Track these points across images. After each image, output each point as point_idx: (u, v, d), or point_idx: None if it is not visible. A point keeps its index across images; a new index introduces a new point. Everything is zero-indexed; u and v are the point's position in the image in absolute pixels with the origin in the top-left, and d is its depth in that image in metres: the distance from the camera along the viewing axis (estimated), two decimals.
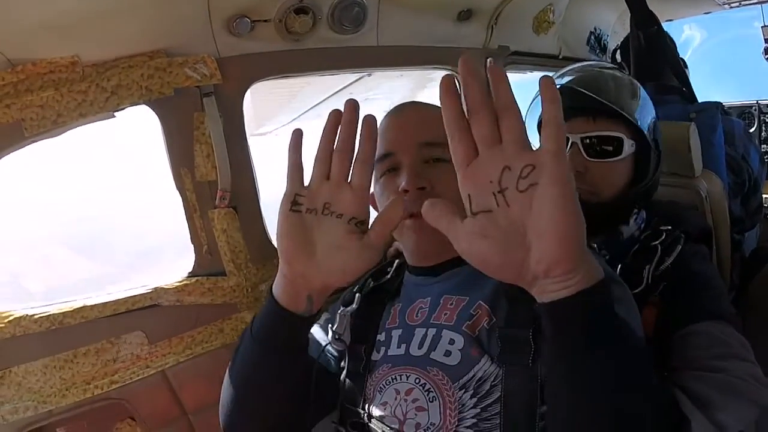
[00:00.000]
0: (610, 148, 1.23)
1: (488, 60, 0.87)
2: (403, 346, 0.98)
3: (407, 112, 1.04)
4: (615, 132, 1.22)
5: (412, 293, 1.05)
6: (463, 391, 0.87)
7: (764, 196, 3.16)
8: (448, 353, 0.92)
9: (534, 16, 2.05)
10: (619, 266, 1.21)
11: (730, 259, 1.62)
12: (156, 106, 1.31)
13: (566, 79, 1.30)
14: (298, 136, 0.80)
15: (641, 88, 1.31)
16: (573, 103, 1.23)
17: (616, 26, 2.62)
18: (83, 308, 1.31)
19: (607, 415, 0.65)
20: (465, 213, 0.67)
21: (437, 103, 0.69)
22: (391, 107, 1.08)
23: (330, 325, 1.07)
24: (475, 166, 0.65)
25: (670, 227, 1.24)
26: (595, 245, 1.26)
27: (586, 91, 1.22)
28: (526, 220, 0.61)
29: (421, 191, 0.92)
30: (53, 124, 1.19)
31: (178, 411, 1.45)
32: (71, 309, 1.30)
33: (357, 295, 1.11)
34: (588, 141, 1.22)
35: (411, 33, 1.70)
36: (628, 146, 1.23)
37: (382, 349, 1.01)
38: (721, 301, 1.13)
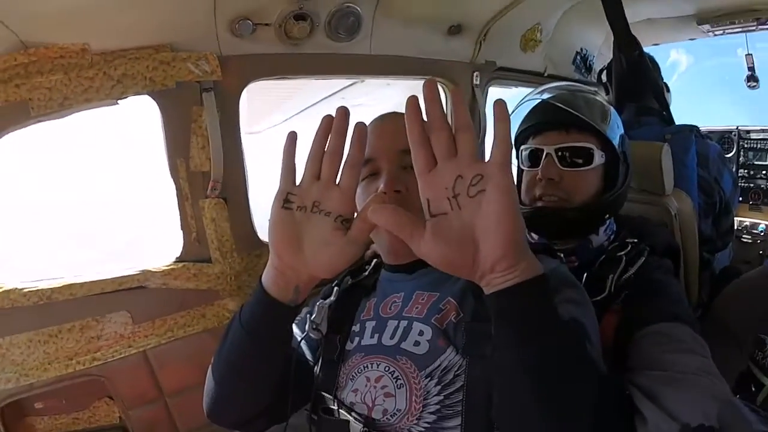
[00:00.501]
0: (581, 159, 1.32)
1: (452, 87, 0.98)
2: (376, 336, 1.05)
3: (388, 122, 1.09)
4: (586, 143, 1.32)
5: (387, 289, 1.13)
6: (428, 379, 0.94)
7: (737, 219, 3.34)
8: (417, 343, 0.99)
9: (522, 34, 2.18)
10: (585, 274, 1.29)
11: (698, 276, 1.69)
12: (158, 97, 1.39)
13: (545, 95, 1.41)
14: (292, 138, 0.87)
15: (612, 110, 1.41)
16: (548, 118, 1.36)
17: (603, 48, 2.75)
18: (72, 285, 1.38)
19: (543, 400, 0.72)
20: (426, 216, 0.77)
21: (424, 111, 0.78)
22: (380, 114, 1.15)
23: (309, 316, 1.14)
24: (434, 175, 0.76)
25: (636, 240, 1.33)
26: (562, 254, 1.34)
27: (561, 105, 1.33)
28: (475, 222, 0.72)
29: (397, 194, 0.99)
30: (59, 106, 1.26)
31: (156, 392, 1.52)
32: (60, 285, 1.37)
33: (335, 288, 1.20)
34: (561, 152, 1.32)
35: (402, 44, 1.81)
36: (599, 157, 1.33)
37: (356, 339, 1.08)
38: (679, 305, 1.18)
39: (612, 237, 1.40)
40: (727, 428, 0.78)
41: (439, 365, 0.95)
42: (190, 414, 1.55)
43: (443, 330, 0.98)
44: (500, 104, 0.74)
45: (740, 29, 2.71)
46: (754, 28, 2.67)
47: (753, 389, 1.31)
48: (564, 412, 0.73)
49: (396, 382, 0.97)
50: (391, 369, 0.99)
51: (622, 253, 1.30)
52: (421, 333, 1.00)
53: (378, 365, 1.01)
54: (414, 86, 2.06)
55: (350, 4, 1.53)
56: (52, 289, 1.36)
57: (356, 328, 1.10)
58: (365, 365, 1.03)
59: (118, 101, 1.35)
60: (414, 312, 1.04)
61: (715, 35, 2.82)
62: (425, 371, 0.95)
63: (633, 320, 1.14)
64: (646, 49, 2.24)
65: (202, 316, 1.55)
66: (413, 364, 0.97)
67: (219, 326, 1.55)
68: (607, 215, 1.38)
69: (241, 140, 1.54)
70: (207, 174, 1.47)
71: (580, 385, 0.74)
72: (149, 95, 1.39)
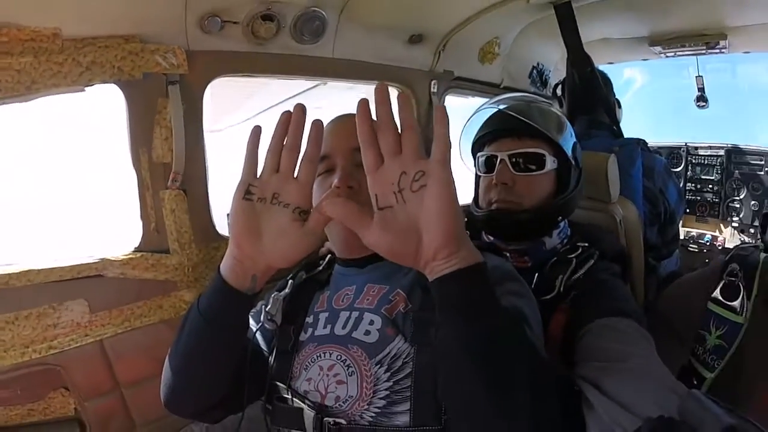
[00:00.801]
0: (534, 164, 1.40)
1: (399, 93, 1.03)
2: (329, 326, 1.10)
3: (344, 122, 1.14)
4: (538, 149, 1.40)
5: (340, 282, 1.18)
6: (378, 366, 0.99)
7: (685, 229, 3.53)
8: (367, 332, 1.04)
9: (480, 46, 2.31)
10: (536, 274, 1.37)
11: (643, 279, 1.79)
12: (124, 86, 1.43)
13: (501, 105, 1.49)
14: (257, 132, 0.93)
15: (566, 120, 1.50)
16: (503, 126, 1.44)
17: (559, 64, 2.89)
18: (29, 272, 1.38)
19: (485, 378, 0.77)
20: (374, 210, 0.84)
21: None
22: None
23: (264, 307, 1.18)
24: (381, 171, 0.83)
25: (587, 244, 1.41)
26: (515, 254, 1.44)
27: (514, 114, 1.41)
28: (418, 214, 0.79)
29: (350, 189, 1.05)
30: (26, 89, 1.28)
31: (112, 383, 1.53)
32: (17, 271, 1.37)
33: (290, 282, 1.25)
34: (514, 158, 1.40)
35: (364, 49, 1.91)
36: (550, 162, 1.41)
37: (310, 330, 1.12)
38: (624, 302, 1.25)
39: (565, 240, 1.47)
40: (692, 421, 0.79)
41: (389, 353, 1.00)
42: (146, 406, 1.57)
43: (392, 319, 1.04)
44: (440, 109, 0.83)
45: (691, 52, 2.90)
46: (704, 51, 2.86)
47: (695, 382, 1.37)
48: (504, 389, 0.77)
49: (347, 369, 1.01)
50: (343, 357, 1.03)
51: (573, 255, 1.38)
52: (371, 323, 1.05)
53: (330, 354, 1.05)
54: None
55: (316, 9, 1.61)
56: (9, 275, 1.37)
57: (309, 319, 1.15)
58: (318, 354, 1.07)
59: (85, 88, 1.38)
60: (365, 303, 1.10)
61: (667, 56, 3.02)
62: (375, 359, 1.00)
63: (579, 319, 1.20)
64: (601, 67, 2.39)
65: (159, 306, 1.58)
66: (364, 352, 1.02)
67: (175, 317, 1.59)
68: (560, 217, 1.45)
69: (203, 134, 1.59)
70: (168, 165, 1.52)
71: (520, 365, 0.79)
72: (116, 84, 1.43)
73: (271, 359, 1.15)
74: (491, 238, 1.50)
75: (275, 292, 1.22)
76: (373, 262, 1.14)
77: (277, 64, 1.72)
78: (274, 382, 1.10)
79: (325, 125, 1.03)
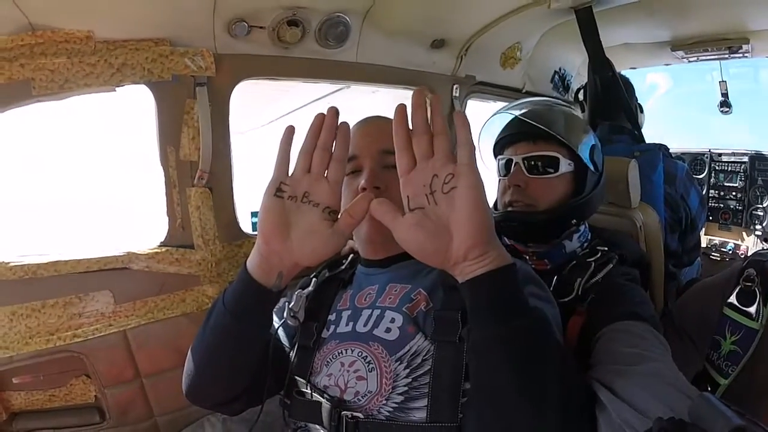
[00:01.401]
0: (548, 167, 1.42)
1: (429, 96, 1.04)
2: (351, 324, 1.12)
3: (371, 123, 1.18)
4: (552, 152, 1.42)
5: (363, 282, 1.21)
6: (398, 363, 1.00)
7: (707, 237, 3.50)
8: (388, 330, 1.06)
9: (502, 51, 2.31)
10: (556, 277, 1.38)
11: (662, 286, 1.79)
12: (154, 87, 1.49)
13: (517, 111, 1.51)
14: (290, 132, 0.95)
15: (584, 123, 1.52)
16: (519, 129, 1.47)
17: (581, 69, 2.87)
18: (57, 263, 1.44)
19: (518, 375, 0.80)
20: (405, 211, 0.88)
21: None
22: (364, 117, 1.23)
23: (287, 304, 1.20)
24: (413, 174, 0.88)
25: (606, 248, 1.42)
26: (534, 257, 1.46)
27: (528, 120, 1.43)
28: (450, 215, 0.83)
29: (376, 190, 1.07)
30: (60, 88, 1.34)
31: (133, 372, 1.57)
32: (45, 262, 1.43)
33: (314, 280, 1.28)
34: (528, 161, 1.43)
35: (387, 54, 1.94)
36: (565, 165, 1.42)
37: (332, 327, 1.14)
38: (641, 305, 1.24)
39: (585, 244, 1.48)
40: (702, 423, 0.79)
41: (409, 350, 1.01)
42: (165, 396, 1.61)
43: (413, 318, 1.05)
44: (460, 115, 0.87)
45: (713, 57, 2.86)
46: (726, 56, 2.81)
47: (708, 389, 1.38)
48: (536, 385, 0.80)
49: (368, 366, 1.03)
50: (364, 354, 1.05)
51: (592, 259, 1.38)
52: (392, 320, 1.07)
53: (352, 351, 1.07)
54: (397, 95, 2.17)
55: (340, 14, 1.65)
56: (38, 265, 1.42)
57: (332, 317, 1.17)
58: (340, 351, 1.08)
59: (116, 88, 1.43)
60: (387, 302, 1.11)
61: (689, 61, 2.97)
62: (396, 356, 1.01)
63: (597, 320, 1.21)
64: (624, 72, 2.38)
65: (182, 300, 1.63)
66: (384, 349, 1.03)
67: (197, 311, 1.63)
68: (574, 220, 1.45)
69: (229, 134, 1.63)
70: (195, 164, 1.56)
71: (550, 364, 0.82)
72: (146, 85, 1.48)
73: (293, 354, 1.18)
74: (510, 241, 1.51)
75: (299, 290, 1.25)
76: (395, 262, 1.16)
77: (302, 68, 1.76)
78: (294, 376, 1.12)
79: (351, 127, 1.07)
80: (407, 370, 1.00)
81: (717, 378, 1.39)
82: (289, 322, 1.19)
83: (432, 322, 1.03)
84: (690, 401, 0.85)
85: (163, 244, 1.62)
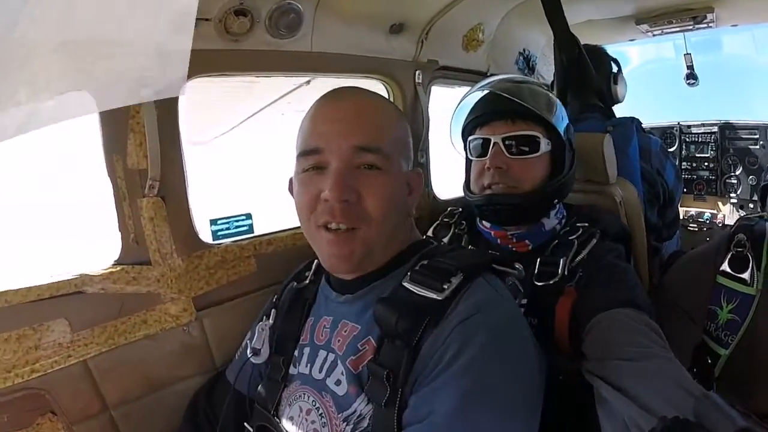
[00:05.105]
0: (528, 147, 1.39)
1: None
2: (309, 366, 1.08)
3: (346, 103, 0.99)
4: (532, 131, 1.39)
5: (321, 308, 1.15)
6: (345, 423, 0.97)
7: (684, 209, 3.54)
8: (338, 382, 1.01)
9: (464, 34, 2.25)
10: (539, 260, 1.35)
11: (647, 261, 1.79)
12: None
13: (491, 87, 1.48)
14: None
15: (557, 101, 1.49)
16: (495, 108, 1.43)
17: (545, 49, 2.87)
18: (6, 292, 1.31)
19: None
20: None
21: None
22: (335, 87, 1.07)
23: (248, 342, 1.20)
24: None
25: (587, 224, 1.40)
26: (515, 239, 1.43)
27: (506, 95, 1.39)
28: None
29: (345, 204, 0.93)
30: None
31: (100, 405, 1.46)
32: None
33: (273, 310, 1.23)
34: (508, 141, 1.39)
35: (344, 42, 1.84)
36: (545, 144, 1.40)
37: (297, 364, 1.12)
38: (634, 290, 1.25)
39: (563, 220, 1.47)
40: (707, 423, 0.80)
41: (354, 411, 0.97)
42: (137, 426, 1.50)
43: (357, 375, 0.99)
44: None
45: (678, 29, 2.87)
46: (691, 27, 2.83)
47: (709, 361, 1.38)
48: None
49: (321, 419, 1.01)
50: (317, 405, 1.03)
51: (574, 237, 1.37)
52: (342, 373, 1.02)
53: (309, 397, 1.05)
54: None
55: (291, 1, 1.55)
56: None
57: (296, 352, 1.14)
58: (299, 394, 1.07)
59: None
60: (337, 345, 1.05)
61: (654, 35, 2.99)
62: (343, 414, 0.98)
63: (589, 304, 1.19)
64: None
65: (144, 321, 1.51)
66: (334, 404, 1.00)
67: (161, 332, 1.52)
68: (556, 200, 1.45)
69: (180, 138, 1.52)
70: (144, 172, 1.44)
71: None
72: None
73: (260, 387, 1.17)
74: (487, 225, 1.49)
75: (260, 322, 1.22)
76: (353, 290, 1.07)
77: (254, 61, 1.66)
78: (258, 407, 1.13)
79: (316, 102, 0.96)
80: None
81: (717, 349, 1.38)
82: (252, 360, 1.17)
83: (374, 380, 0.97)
84: (693, 399, 0.87)
85: (117, 263, 1.50)
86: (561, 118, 1.45)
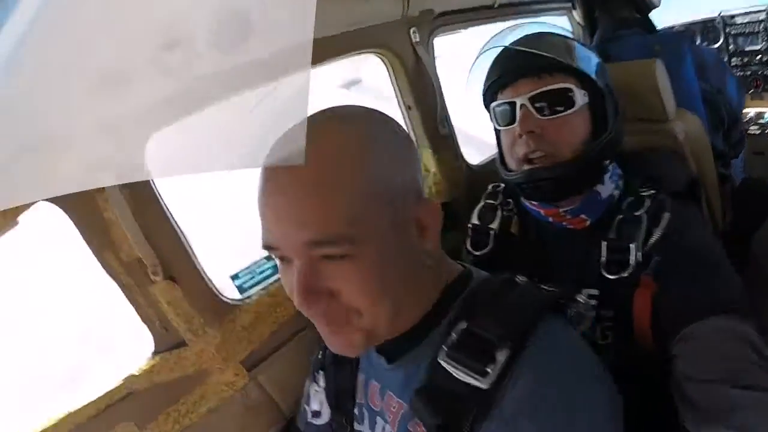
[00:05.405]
0: (561, 104, 1.19)
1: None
2: (370, 431, 1.02)
3: (282, 190, 0.75)
4: (563, 84, 1.18)
5: (365, 363, 1.05)
6: None
7: (747, 110, 3.12)
8: None
9: None
10: (604, 244, 1.17)
11: (719, 200, 1.59)
12: (57, 201, 1.23)
13: (505, 41, 1.28)
14: None
15: (577, 44, 1.26)
16: (514, 65, 1.23)
17: None
18: (69, 415, 1.28)
19: None
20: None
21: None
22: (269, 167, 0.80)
23: (306, 405, 1.18)
24: None
25: (653, 191, 1.19)
26: (568, 215, 1.26)
27: (525, 49, 1.19)
28: None
29: (320, 307, 0.79)
30: None
31: None
32: (58, 420, 1.27)
33: (321, 372, 1.15)
34: (536, 100, 1.19)
35: (322, 24, 1.56)
36: (580, 97, 1.19)
37: (360, 424, 1.05)
38: (730, 285, 1.07)
39: (621, 184, 1.27)
40: None
41: None
42: None
43: None
44: None
45: None
46: None
47: None
48: None
49: None
50: None
51: (641, 211, 1.16)
52: None
53: None
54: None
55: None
56: (54, 426, 1.26)
57: (357, 411, 1.06)
58: None
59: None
60: (390, 418, 0.95)
61: None
62: None
63: (674, 306, 1.05)
64: None
65: (202, 397, 1.47)
66: None
67: (222, 403, 1.47)
68: (607, 160, 1.25)
69: (165, 209, 1.39)
70: (142, 260, 1.35)
71: None
72: (48, 201, 1.21)
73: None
74: (534, 203, 1.30)
75: (310, 383, 1.19)
76: (391, 355, 0.95)
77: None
78: None
79: (258, 184, 0.78)
80: None
81: None
82: (314, 422, 1.15)
83: None
84: None
85: (155, 353, 1.44)
86: (590, 61, 1.23)
